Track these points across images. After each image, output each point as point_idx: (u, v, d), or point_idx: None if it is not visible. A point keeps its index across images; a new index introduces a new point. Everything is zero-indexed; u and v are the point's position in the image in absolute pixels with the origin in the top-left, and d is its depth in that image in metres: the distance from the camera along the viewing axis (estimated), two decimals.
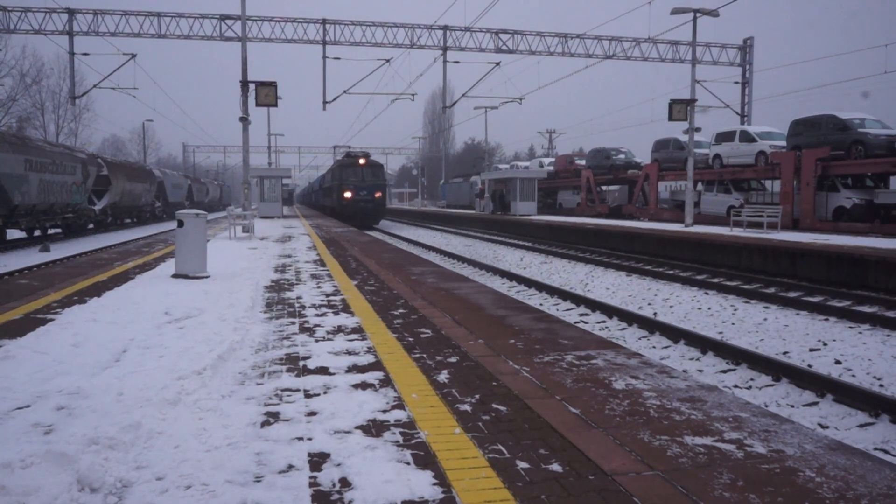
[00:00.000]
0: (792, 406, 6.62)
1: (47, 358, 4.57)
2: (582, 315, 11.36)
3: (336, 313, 6.59)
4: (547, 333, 5.63)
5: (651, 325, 10.01)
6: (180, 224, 8.96)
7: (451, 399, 3.87)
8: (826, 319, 10.52)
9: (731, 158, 25.68)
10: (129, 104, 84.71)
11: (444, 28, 31.80)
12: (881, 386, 7.24)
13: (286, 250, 13.92)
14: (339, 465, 2.96)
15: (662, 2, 22.77)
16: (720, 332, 9.88)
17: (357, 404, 3.77)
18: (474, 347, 5.13)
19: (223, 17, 29.90)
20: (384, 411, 3.67)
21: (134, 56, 28.52)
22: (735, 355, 8.16)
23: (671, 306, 12.11)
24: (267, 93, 18.00)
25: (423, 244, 25.86)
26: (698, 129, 24.21)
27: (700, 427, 3.38)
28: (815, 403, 6.65)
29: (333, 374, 4.41)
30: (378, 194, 35.83)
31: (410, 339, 5.42)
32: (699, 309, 11.77)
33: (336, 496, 2.67)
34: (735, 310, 11.56)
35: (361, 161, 36.28)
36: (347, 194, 35.16)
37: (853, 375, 7.58)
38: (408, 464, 2.97)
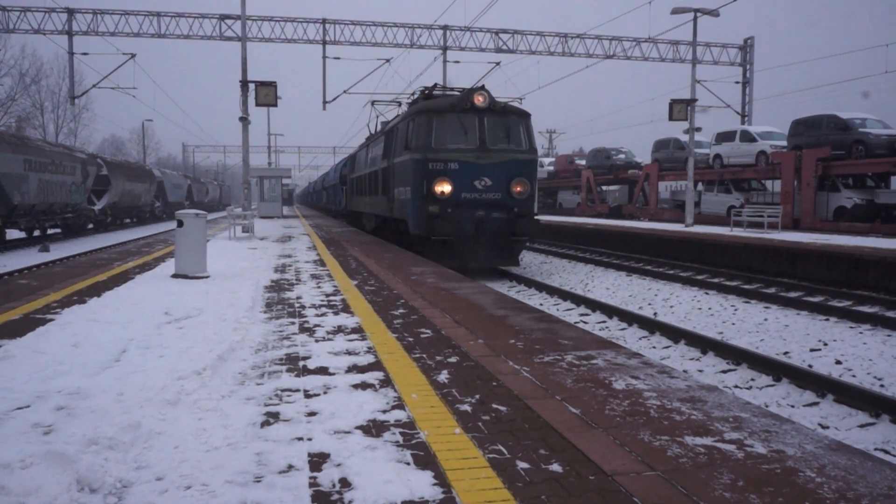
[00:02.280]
0: (792, 406, 6.62)
1: (47, 358, 4.56)
2: (582, 315, 11.35)
3: (336, 313, 6.59)
4: (547, 333, 5.63)
5: (651, 326, 10.01)
6: (180, 224, 8.96)
7: (451, 399, 3.87)
8: (826, 319, 10.51)
9: (732, 158, 25.69)
10: (128, 104, 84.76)
11: (444, 28, 31.80)
12: (882, 386, 7.24)
13: (286, 250, 13.91)
14: (339, 465, 2.96)
15: (662, 2, 22.79)
16: (720, 333, 9.88)
17: (357, 404, 3.76)
18: (474, 347, 5.12)
19: (223, 17, 29.89)
20: (384, 411, 3.66)
21: (133, 56, 28.48)
22: (735, 355, 8.15)
23: (671, 306, 12.11)
24: (267, 93, 18.00)
25: None
26: (699, 129, 24.23)
27: (700, 427, 3.38)
28: (816, 404, 6.65)
29: (333, 374, 4.40)
30: (519, 188, 15.13)
31: (410, 339, 5.42)
32: (699, 309, 11.77)
33: (336, 496, 2.66)
34: (735, 310, 11.56)
35: (479, 98, 15.12)
36: (444, 188, 14.72)
37: (854, 375, 7.58)
38: (408, 464, 2.96)
